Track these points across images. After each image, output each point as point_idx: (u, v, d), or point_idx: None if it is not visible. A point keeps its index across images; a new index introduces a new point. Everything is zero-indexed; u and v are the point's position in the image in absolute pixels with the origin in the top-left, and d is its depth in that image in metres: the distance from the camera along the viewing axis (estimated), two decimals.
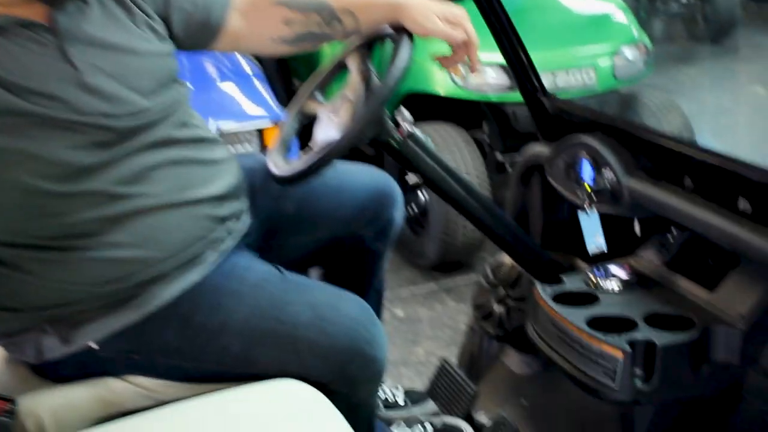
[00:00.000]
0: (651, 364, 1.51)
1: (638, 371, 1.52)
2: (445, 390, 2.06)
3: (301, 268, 1.98)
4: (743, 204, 1.57)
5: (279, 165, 1.70)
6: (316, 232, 1.90)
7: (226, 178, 1.64)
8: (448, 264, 3.63)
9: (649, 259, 1.79)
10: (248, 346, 1.49)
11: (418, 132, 1.75)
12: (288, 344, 1.48)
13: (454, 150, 3.56)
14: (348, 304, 1.55)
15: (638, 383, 1.52)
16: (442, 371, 2.10)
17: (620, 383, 1.51)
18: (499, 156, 3.88)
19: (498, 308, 2.09)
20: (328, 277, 2.03)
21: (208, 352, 1.49)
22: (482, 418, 2.08)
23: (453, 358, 2.94)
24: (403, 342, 3.07)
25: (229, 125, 3.23)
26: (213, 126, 3.18)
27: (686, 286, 1.68)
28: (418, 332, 3.13)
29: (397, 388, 2.24)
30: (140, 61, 1.52)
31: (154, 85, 1.52)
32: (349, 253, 1.96)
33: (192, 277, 1.51)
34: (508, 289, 2.08)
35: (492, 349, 2.26)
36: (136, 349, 1.51)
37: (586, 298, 1.70)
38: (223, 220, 1.60)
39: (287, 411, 1.42)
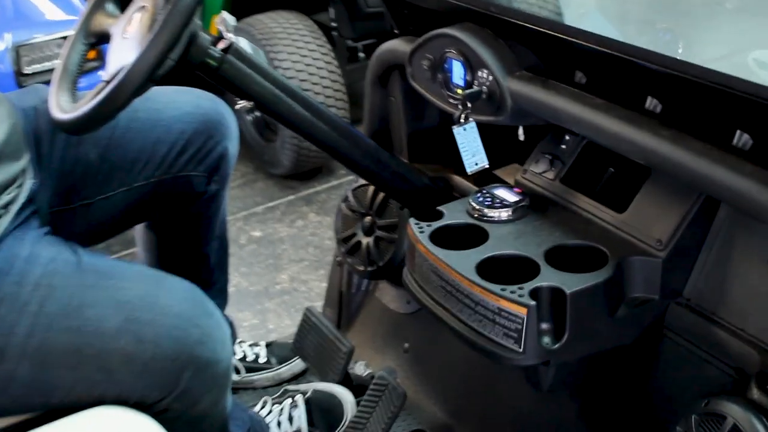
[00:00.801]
0: (561, 316, 1.23)
1: (546, 327, 1.23)
2: (315, 347, 1.75)
3: (120, 229, 1.59)
4: (651, 103, 1.27)
5: (63, 106, 1.29)
6: (131, 181, 1.50)
7: None
8: (306, 172, 3.27)
9: (540, 175, 1.49)
10: (40, 369, 1.11)
11: (243, 44, 1.37)
12: (94, 361, 1.11)
13: (297, 40, 3.15)
14: (168, 295, 1.17)
15: (547, 341, 1.23)
16: (308, 325, 1.78)
17: (526, 345, 1.22)
18: (350, 43, 3.49)
19: (366, 240, 1.77)
20: (158, 234, 1.65)
21: None
22: (360, 369, 1.78)
23: (321, 284, 2.64)
24: (265, 268, 2.72)
25: (29, 37, 2.72)
26: (8, 41, 2.67)
27: (589, 207, 1.39)
28: (280, 255, 2.79)
29: (258, 344, 1.91)
30: None
31: None
32: (178, 200, 1.57)
33: None
34: (375, 217, 1.75)
35: (364, 286, 1.95)
36: None
37: (472, 233, 1.38)
38: None
39: None
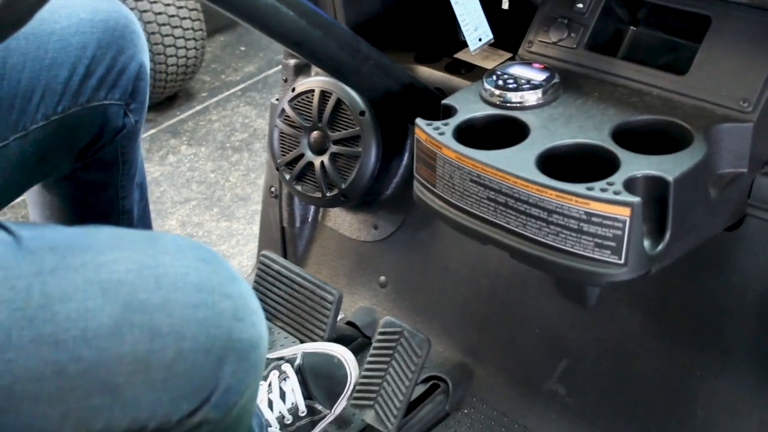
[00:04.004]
0: (662, 212, 0.97)
1: (646, 228, 0.97)
2: (286, 301, 1.41)
3: (16, 193, 1.19)
4: None
5: None
6: (27, 123, 1.09)
7: None
8: (162, 101, 2.83)
9: (554, 45, 1.20)
10: (2, 415, 0.72)
11: None
12: (88, 381, 0.73)
13: None
14: (175, 258, 0.79)
15: (648, 245, 0.97)
16: (268, 275, 1.43)
17: (628, 254, 0.95)
18: None
19: (319, 160, 1.43)
20: (61, 192, 1.26)
21: None
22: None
23: (219, 225, 2.28)
24: None
25: None
26: None
27: (637, 74, 1.13)
28: (160, 198, 2.38)
29: None
30: None
31: None
32: (89, 142, 1.18)
33: None
34: (328, 129, 1.42)
35: (311, 216, 1.62)
36: None
37: (502, 127, 1.09)
38: None
39: None
